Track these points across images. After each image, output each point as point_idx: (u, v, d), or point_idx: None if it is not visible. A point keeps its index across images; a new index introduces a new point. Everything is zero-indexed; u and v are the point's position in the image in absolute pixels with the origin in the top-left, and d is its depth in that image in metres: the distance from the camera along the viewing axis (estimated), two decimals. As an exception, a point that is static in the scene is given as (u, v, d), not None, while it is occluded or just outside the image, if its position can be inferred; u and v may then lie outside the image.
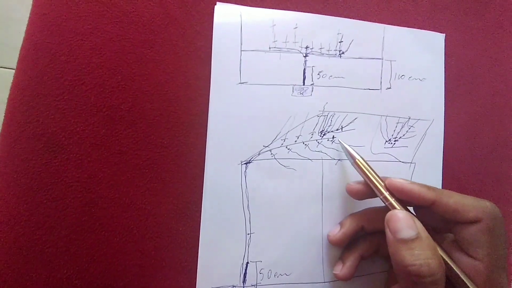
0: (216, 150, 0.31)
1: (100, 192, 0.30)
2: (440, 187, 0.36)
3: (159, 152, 0.31)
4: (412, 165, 0.35)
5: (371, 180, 0.29)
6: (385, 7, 0.36)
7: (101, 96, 0.31)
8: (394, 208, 0.28)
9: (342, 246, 0.32)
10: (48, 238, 0.29)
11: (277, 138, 0.32)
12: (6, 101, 0.31)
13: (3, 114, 0.31)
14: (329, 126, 0.33)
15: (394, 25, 0.36)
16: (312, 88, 0.33)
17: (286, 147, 0.32)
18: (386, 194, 0.28)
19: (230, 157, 0.32)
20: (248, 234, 0.32)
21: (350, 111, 0.34)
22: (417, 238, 0.25)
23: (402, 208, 0.28)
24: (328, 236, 0.32)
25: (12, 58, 0.32)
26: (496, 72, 0.38)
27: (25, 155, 0.30)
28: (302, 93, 0.33)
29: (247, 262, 0.31)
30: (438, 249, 0.26)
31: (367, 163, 0.30)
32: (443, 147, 0.36)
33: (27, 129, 0.30)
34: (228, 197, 0.31)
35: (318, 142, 0.33)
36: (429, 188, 0.28)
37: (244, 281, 0.31)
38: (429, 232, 0.26)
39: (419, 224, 0.26)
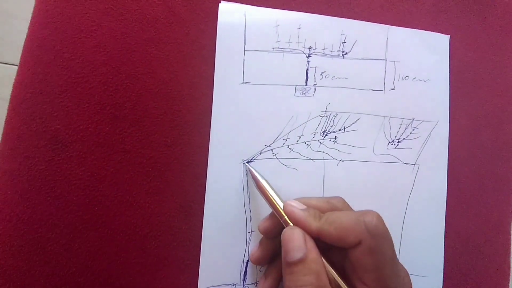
0: (219, 149, 0.32)
1: (103, 190, 0.31)
2: (445, 190, 0.36)
3: (162, 150, 0.31)
4: (416, 167, 0.36)
5: (272, 202, 0.29)
6: (389, 8, 0.36)
7: (105, 94, 0.31)
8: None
9: (264, 265, 0.32)
10: (51, 235, 0.30)
11: (279, 137, 0.33)
12: (8, 98, 0.31)
13: (5, 111, 0.31)
14: (332, 126, 0.34)
15: (397, 26, 0.36)
16: (315, 89, 0.33)
17: (288, 147, 0.33)
18: (285, 217, 0.28)
19: (232, 156, 0.32)
20: (249, 232, 0.32)
21: (353, 111, 0.34)
22: (301, 261, 0.25)
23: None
24: (249, 254, 0.32)
25: (15, 54, 0.32)
26: (500, 74, 0.39)
27: (28, 152, 0.30)
28: (304, 93, 0.33)
29: (248, 261, 0.32)
30: (330, 273, 0.26)
31: (271, 187, 0.29)
32: (448, 149, 0.36)
33: (30, 126, 0.30)
34: (230, 196, 0.32)
35: (320, 142, 0.33)
36: (317, 216, 0.27)
37: (244, 279, 0.32)
38: (331, 254, 0.26)
39: (310, 244, 0.25)
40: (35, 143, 0.30)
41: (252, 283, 0.32)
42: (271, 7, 0.34)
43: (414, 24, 0.37)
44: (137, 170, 0.31)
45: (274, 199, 0.29)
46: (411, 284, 0.27)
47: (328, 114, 0.34)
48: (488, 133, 0.38)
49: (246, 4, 0.33)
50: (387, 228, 0.26)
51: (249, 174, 0.30)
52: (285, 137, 0.33)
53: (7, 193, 0.30)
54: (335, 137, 0.34)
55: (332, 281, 0.26)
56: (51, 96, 0.31)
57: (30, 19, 0.32)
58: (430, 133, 0.36)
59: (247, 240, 0.32)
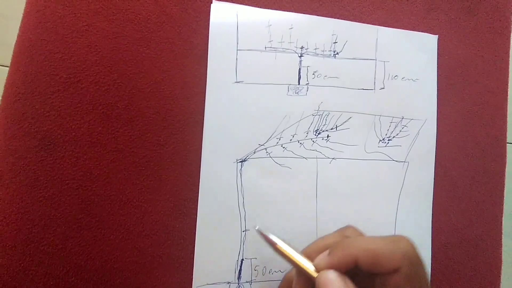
0: (212, 148, 0.32)
1: (96, 189, 0.31)
2: (432, 185, 0.37)
3: (155, 150, 0.32)
4: (406, 164, 0.36)
5: (297, 263, 0.26)
6: (379, 7, 0.37)
7: (97, 93, 0.31)
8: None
9: None
10: (44, 235, 0.30)
11: (273, 136, 0.33)
12: (0, 98, 0.31)
13: None
14: (324, 125, 0.34)
15: (388, 25, 0.37)
16: (307, 88, 0.34)
17: (282, 146, 0.34)
18: (301, 264, 0.26)
19: (226, 155, 0.32)
20: (243, 231, 0.33)
21: (345, 110, 0.35)
22: None
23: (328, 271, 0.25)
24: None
25: (6, 55, 0.32)
26: (488, 72, 0.40)
27: (20, 152, 0.30)
28: (297, 93, 0.33)
29: (242, 259, 0.32)
30: None
31: (289, 246, 0.27)
32: (436, 146, 0.38)
33: (22, 126, 0.30)
34: (224, 195, 0.32)
35: (313, 141, 0.34)
36: (348, 249, 0.26)
37: (239, 277, 0.32)
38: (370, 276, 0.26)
39: (350, 285, 0.25)
40: (27, 144, 0.30)
41: (246, 281, 0.32)
42: (263, 7, 0.34)
43: (405, 22, 0.38)
44: (130, 170, 0.31)
45: (298, 261, 0.26)
46: None
47: (320, 113, 0.34)
48: (479, 129, 0.39)
49: (238, 4, 0.34)
50: (421, 255, 0.26)
51: (263, 238, 0.27)
52: (278, 136, 0.33)
53: (0, 193, 0.30)
54: (328, 136, 0.34)
55: None
56: (43, 96, 0.31)
57: (21, 20, 0.32)
58: (418, 131, 0.37)
59: (242, 239, 0.32)
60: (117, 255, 0.31)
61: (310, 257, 0.26)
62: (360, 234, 0.29)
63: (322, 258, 0.26)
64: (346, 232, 0.28)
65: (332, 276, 0.25)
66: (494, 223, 0.39)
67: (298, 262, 0.26)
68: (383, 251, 0.25)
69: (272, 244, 0.27)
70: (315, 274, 0.25)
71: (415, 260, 0.25)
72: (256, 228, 0.27)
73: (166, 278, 0.31)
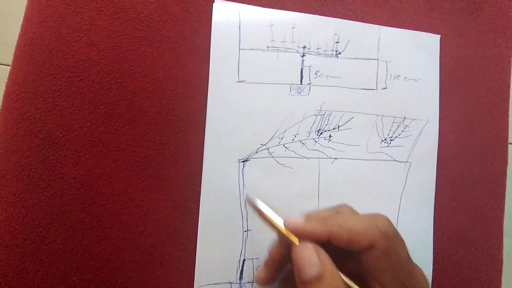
0: (214, 148, 0.32)
1: (98, 189, 0.31)
2: (434, 185, 0.37)
3: (157, 149, 0.32)
4: (408, 164, 0.36)
5: (270, 220, 0.27)
6: (382, 7, 0.37)
7: (99, 93, 0.31)
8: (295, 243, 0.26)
9: (273, 283, 0.30)
10: (46, 235, 0.30)
11: (275, 136, 0.33)
12: (1, 97, 0.31)
13: None
14: (326, 125, 0.34)
15: (390, 24, 0.37)
16: (310, 88, 0.34)
17: (284, 146, 0.34)
18: (291, 237, 0.26)
19: (228, 155, 0.32)
20: (245, 231, 0.33)
21: (347, 110, 0.35)
22: (318, 278, 0.23)
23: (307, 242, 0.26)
24: (255, 278, 0.30)
25: (8, 54, 0.31)
26: (490, 71, 0.40)
27: (22, 152, 0.30)
28: (299, 92, 0.33)
29: (244, 259, 0.32)
30: (350, 284, 0.25)
31: (276, 214, 0.27)
32: (438, 146, 0.38)
33: (24, 126, 0.30)
34: (226, 195, 0.32)
35: (315, 141, 0.34)
36: (323, 222, 0.26)
37: (241, 278, 0.32)
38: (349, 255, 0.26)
39: (324, 259, 0.24)
40: (29, 143, 0.30)
41: (248, 282, 0.32)
42: (265, 7, 0.34)
43: (407, 22, 0.37)
44: (132, 169, 0.31)
45: (275, 222, 0.27)
46: (428, 283, 0.27)
47: (322, 113, 0.34)
48: (481, 129, 0.39)
49: (240, 2, 0.34)
50: (397, 230, 0.26)
51: (245, 200, 0.29)
52: (280, 136, 0.33)
53: (1, 193, 0.30)
54: (330, 136, 0.34)
55: None
56: (45, 95, 0.31)
57: (23, 18, 0.31)
58: (421, 131, 0.37)
59: (244, 239, 0.32)
60: (119, 254, 0.31)
61: (289, 222, 0.26)
62: (356, 213, 0.29)
63: (296, 221, 0.26)
64: (340, 209, 0.28)
65: (308, 247, 0.25)
66: (495, 223, 0.39)
67: (280, 229, 0.26)
68: (357, 228, 0.25)
69: (258, 212, 0.27)
70: (296, 243, 0.26)
71: (391, 235, 0.25)
72: (245, 196, 0.29)
73: (167, 278, 0.31)
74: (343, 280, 0.25)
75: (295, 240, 0.26)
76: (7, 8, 0.73)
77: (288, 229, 0.26)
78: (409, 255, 0.26)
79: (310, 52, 0.34)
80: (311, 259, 0.24)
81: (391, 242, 0.25)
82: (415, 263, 0.27)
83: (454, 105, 0.38)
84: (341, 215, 0.27)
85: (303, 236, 0.26)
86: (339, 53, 0.35)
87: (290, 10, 0.34)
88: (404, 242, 0.26)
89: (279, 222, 0.27)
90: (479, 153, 0.39)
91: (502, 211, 0.39)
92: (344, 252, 0.26)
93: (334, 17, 0.35)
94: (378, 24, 0.36)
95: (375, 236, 0.25)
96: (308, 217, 0.26)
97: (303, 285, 0.24)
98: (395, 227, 0.26)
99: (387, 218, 0.26)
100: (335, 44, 0.35)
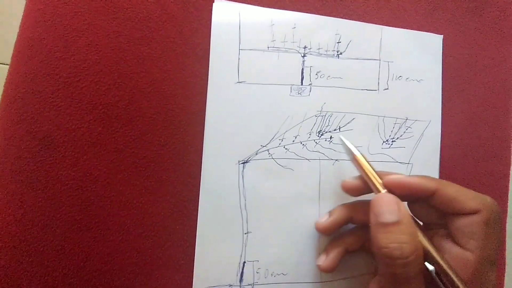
0: (214, 150, 0.32)
1: (96, 190, 0.31)
2: None
3: (156, 150, 0.32)
4: (409, 165, 0.36)
5: (369, 177, 0.29)
6: (383, 6, 0.37)
7: (97, 93, 0.31)
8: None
9: (330, 235, 0.33)
10: (44, 236, 0.30)
11: (275, 138, 0.33)
12: (0, 97, 0.31)
13: None
14: (327, 126, 0.34)
15: (392, 24, 0.37)
16: (310, 88, 0.33)
17: (284, 147, 0.33)
18: (383, 191, 0.29)
19: (228, 157, 0.32)
20: (245, 233, 0.32)
21: (348, 111, 0.35)
22: (396, 222, 0.26)
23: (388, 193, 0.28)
24: (316, 223, 0.33)
25: (6, 53, 0.31)
26: (493, 72, 0.40)
27: (20, 153, 0.30)
28: (300, 93, 0.33)
29: (244, 262, 0.32)
30: (421, 236, 0.27)
31: (366, 160, 0.30)
32: (440, 147, 0.37)
33: (22, 126, 0.30)
34: (225, 197, 0.32)
35: (316, 142, 0.34)
36: (428, 178, 0.28)
37: (241, 280, 0.32)
38: (421, 227, 0.28)
39: (403, 209, 0.27)
40: (26, 144, 0.30)
41: (249, 284, 0.32)
42: (266, 6, 0.34)
43: (409, 22, 0.37)
44: (131, 170, 0.31)
45: (373, 172, 0.29)
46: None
47: (323, 114, 0.34)
48: (483, 131, 0.39)
49: (240, 2, 0.33)
50: (501, 211, 0.28)
51: (343, 147, 0.31)
52: (281, 137, 0.33)
53: None
54: (331, 137, 0.34)
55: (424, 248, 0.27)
56: (43, 95, 0.31)
57: (21, 18, 0.31)
58: (423, 133, 0.37)
59: (244, 241, 0.32)
60: (117, 256, 0.30)
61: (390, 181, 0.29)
62: None
63: (399, 176, 0.29)
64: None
65: (391, 197, 0.27)
66: None
67: (370, 174, 0.29)
68: (466, 192, 0.27)
69: (352, 154, 0.30)
70: (380, 190, 0.29)
71: (496, 209, 0.27)
72: (340, 137, 0.32)
73: (166, 280, 0.31)
74: (418, 229, 0.27)
75: (380, 188, 0.28)
76: (6, 7, 0.73)
77: (389, 186, 0.28)
78: (503, 234, 0.28)
79: (311, 53, 0.34)
80: (392, 205, 0.27)
81: (494, 215, 0.27)
82: None
83: (456, 106, 0.38)
84: (448, 182, 0.29)
85: (407, 191, 0.28)
86: (341, 53, 0.35)
87: (291, 10, 0.34)
88: (502, 226, 0.28)
89: (376, 180, 0.29)
90: (481, 154, 0.39)
91: (504, 212, 0.39)
92: (439, 217, 0.29)
93: (335, 17, 0.35)
94: (379, 24, 0.36)
95: (483, 205, 0.27)
96: (410, 175, 0.29)
97: (382, 227, 0.26)
98: (497, 205, 0.28)
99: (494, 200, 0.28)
100: (337, 44, 0.35)
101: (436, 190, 0.27)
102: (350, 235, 0.32)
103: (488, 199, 0.27)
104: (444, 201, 0.27)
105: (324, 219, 0.32)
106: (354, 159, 0.30)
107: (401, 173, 0.30)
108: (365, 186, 0.30)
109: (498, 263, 0.28)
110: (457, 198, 0.27)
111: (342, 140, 0.32)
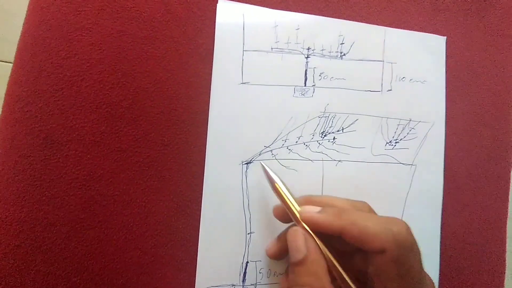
0: (217, 150, 0.32)
1: (99, 189, 0.31)
2: (441, 190, 0.37)
3: (159, 150, 0.32)
4: (413, 167, 0.36)
5: (286, 207, 0.29)
6: (387, 8, 0.37)
7: (101, 92, 0.31)
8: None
9: (280, 259, 0.32)
10: (47, 235, 0.30)
11: (278, 138, 0.33)
12: (3, 96, 0.31)
13: (1, 110, 0.31)
14: (330, 127, 0.34)
15: (395, 26, 0.37)
16: (314, 89, 0.34)
17: (287, 148, 0.34)
18: (302, 223, 0.28)
19: (231, 157, 0.32)
20: (248, 233, 0.33)
21: (351, 112, 0.35)
22: (301, 262, 0.26)
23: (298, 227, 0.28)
24: (265, 250, 0.32)
25: (10, 51, 0.31)
26: (497, 74, 0.40)
27: (23, 151, 0.30)
28: (303, 94, 0.33)
29: (247, 262, 0.32)
30: (337, 269, 0.26)
31: (286, 188, 0.29)
32: (444, 149, 0.37)
33: (25, 125, 0.30)
34: (229, 197, 0.32)
35: (319, 143, 0.34)
36: (338, 215, 0.26)
37: (243, 280, 0.32)
38: (359, 252, 0.26)
39: (310, 246, 0.26)
40: (30, 142, 0.30)
41: (251, 284, 0.32)
42: (269, 7, 0.34)
43: (412, 24, 0.37)
44: (134, 169, 0.31)
45: (291, 203, 0.28)
46: None
47: (326, 115, 0.34)
48: (486, 132, 0.39)
49: (244, 2, 0.34)
50: (415, 240, 0.26)
51: (265, 173, 0.30)
52: (284, 138, 0.33)
53: (3, 192, 0.30)
54: (334, 138, 0.35)
55: (342, 280, 0.26)
56: (46, 94, 0.31)
57: (24, 16, 0.31)
58: (426, 134, 0.37)
59: (247, 241, 0.32)
60: (120, 255, 0.31)
61: (307, 203, 0.28)
62: (372, 212, 0.29)
63: (310, 210, 0.27)
64: (358, 205, 0.29)
65: (298, 233, 0.27)
66: (498, 226, 0.39)
67: (289, 204, 0.28)
68: (371, 229, 0.25)
69: (271, 181, 0.29)
70: (298, 219, 0.28)
71: (405, 244, 0.25)
72: (261, 162, 0.31)
73: (169, 279, 0.31)
74: (327, 269, 0.26)
75: (298, 218, 0.28)
76: (10, 6, 0.73)
77: (302, 216, 0.27)
78: (421, 264, 0.26)
79: (314, 54, 0.34)
80: (298, 243, 0.26)
81: (404, 251, 0.25)
82: (425, 272, 0.27)
83: (458, 108, 0.38)
84: (357, 213, 0.27)
85: (315, 227, 0.27)
86: (344, 54, 0.35)
87: (295, 11, 0.34)
88: (419, 252, 0.26)
89: (295, 205, 0.28)
90: (483, 156, 0.39)
91: (505, 214, 0.39)
92: (356, 248, 0.26)
93: (338, 18, 0.36)
94: (383, 26, 0.36)
95: (388, 242, 0.24)
96: (324, 208, 0.28)
97: (290, 266, 0.26)
98: (409, 232, 0.25)
99: (405, 225, 0.26)
100: (340, 45, 0.35)
101: (341, 230, 0.26)
102: None
103: (395, 230, 0.25)
104: (352, 240, 0.25)
105: (272, 245, 0.31)
106: (274, 188, 0.29)
107: (332, 197, 0.29)
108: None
109: None
110: (361, 238, 0.25)
111: (263, 167, 0.30)
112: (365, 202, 0.29)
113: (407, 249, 0.25)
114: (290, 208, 0.28)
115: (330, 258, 0.26)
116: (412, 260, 0.25)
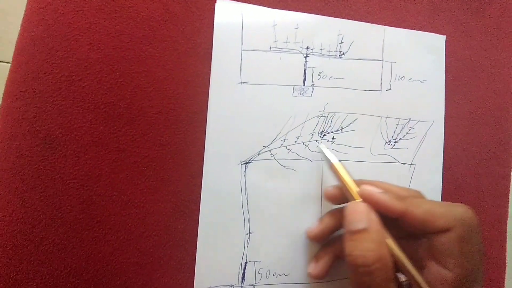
0: (216, 150, 0.32)
1: (98, 189, 0.31)
2: (440, 189, 0.37)
3: (157, 150, 0.32)
4: (412, 166, 0.37)
5: (345, 185, 0.30)
6: (386, 7, 0.38)
7: (99, 92, 0.32)
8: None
9: (320, 242, 0.33)
10: (45, 235, 0.30)
11: (277, 138, 0.33)
12: (1, 96, 0.31)
13: None
14: (329, 126, 0.35)
15: (394, 25, 0.37)
16: (313, 89, 0.34)
17: (286, 148, 0.34)
18: (358, 200, 0.29)
19: (230, 157, 0.33)
20: (247, 234, 0.33)
21: (350, 112, 0.35)
22: (364, 230, 0.26)
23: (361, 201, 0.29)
24: (306, 231, 0.33)
25: (8, 51, 0.31)
26: (496, 73, 0.40)
27: (22, 152, 0.30)
28: (302, 94, 0.33)
29: (246, 262, 0.33)
30: (393, 246, 0.27)
31: (344, 168, 0.30)
32: (443, 148, 0.37)
33: (23, 125, 0.30)
34: (227, 197, 0.32)
35: (318, 143, 0.34)
36: (399, 198, 0.28)
37: (242, 280, 0.32)
38: (407, 235, 0.28)
39: (373, 218, 0.27)
40: (28, 142, 0.30)
41: (250, 285, 0.33)
42: (268, 6, 0.34)
43: (411, 23, 0.37)
44: (132, 169, 0.32)
45: (349, 180, 0.30)
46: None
47: (325, 114, 0.35)
48: (486, 131, 0.39)
49: (242, 1, 0.34)
50: (479, 222, 0.27)
51: (322, 154, 0.32)
52: (283, 138, 0.33)
53: (1, 192, 0.30)
54: (333, 138, 0.35)
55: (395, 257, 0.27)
56: (44, 94, 0.31)
57: (22, 16, 0.31)
58: (426, 133, 0.37)
59: (245, 242, 0.33)
60: (118, 255, 0.31)
61: (363, 192, 0.29)
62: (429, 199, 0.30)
63: (372, 189, 0.28)
64: (412, 192, 0.30)
65: (361, 205, 0.28)
66: (498, 226, 0.39)
67: (348, 183, 0.29)
68: (435, 210, 0.26)
69: (329, 162, 0.31)
70: (356, 198, 0.29)
71: (470, 222, 0.26)
72: (319, 144, 0.33)
73: (167, 280, 0.31)
74: (386, 238, 0.27)
75: (356, 196, 0.29)
76: (8, 5, 0.73)
77: (364, 194, 0.28)
78: (483, 247, 0.27)
79: (313, 53, 0.34)
80: (361, 214, 0.27)
81: (468, 229, 0.26)
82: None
83: (458, 107, 0.38)
84: (418, 198, 0.29)
85: (376, 206, 0.28)
86: (343, 53, 0.35)
87: (293, 10, 0.35)
88: (481, 233, 0.27)
89: (353, 184, 0.29)
90: (483, 155, 0.39)
91: (505, 213, 0.40)
92: (406, 234, 0.28)
93: (337, 17, 0.36)
94: (382, 25, 0.36)
95: (454, 220, 0.26)
96: (385, 191, 0.28)
97: (350, 235, 0.27)
98: (473, 213, 0.27)
99: (469, 207, 0.27)
100: (339, 44, 0.35)
101: (403, 213, 0.27)
102: (339, 241, 0.31)
103: (459, 212, 0.26)
104: (413, 223, 0.27)
105: (314, 227, 0.32)
106: (331, 167, 0.31)
107: (386, 183, 0.30)
108: (344, 195, 0.30)
109: (482, 280, 0.27)
110: (426, 219, 0.26)
111: (320, 149, 0.32)
112: (419, 191, 0.30)
113: (471, 228, 0.26)
114: (350, 186, 0.29)
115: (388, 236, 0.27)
116: (475, 240, 0.26)
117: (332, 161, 0.30)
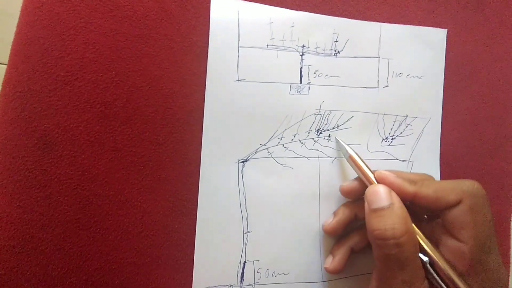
0: (212, 148, 0.33)
1: (94, 189, 0.31)
2: None
3: (154, 149, 0.32)
4: (410, 163, 0.37)
5: (363, 172, 0.31)
6: (384, 3, 0.38)
7: (95, 92, 0.32)
8: None
9: (336, 235, 0.34)
10: (42, 236, 0.30)
11: (274, 136, 0.34)
12: None
13: None
14: (326, 124, 0.35)
15: (393, 20, 0.38)
16: (309, 87, 0.34)
17: (283, 146, 0.34)
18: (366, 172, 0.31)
19: (227, 155, 0.33)
20: (246, 233, 0.33)
21: (347, 109, 0.35)
22: (388, 207, 0.27)
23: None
24: (323, 226, 0.33)
25: (4, 52, 0.31)
26: (496, 68, 0.40)
27: (17, 152, 0.31)
28: (299, 92, 0.34)
29: (245, 261, 0.33)
30: (413, 226, 0.28)
31: (360, 157, 0.32)
32: (441, 144, 0.38)
33: (19, 125, 0.31)
34: (225, 196, 0.33)
35: (315, 141, 0.35)
36: (411, 181, 0.29)
37: (241, 280, 0.33)
38: (419, 221, 0.29)
39: (395, 196, 0.28)
40: (24, 143, 0.31)
41: (249, 284, 0.33)
42: (263, 3, 0.34)
43: (410, 18, 0.38)
44: (129, 169, 0.32)
45: (367, 168, 0.31)
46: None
47: (322, 112, 0.35)
48: (486, 127, 0.40)
49: (238, -1, 0.34)
50: (485, 193, 0.28)
51: (338, 144, 0.34)
52: (280, 136, 0.33)
53: None
54: (329, 135, 0.35)
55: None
56: (40, 94, 0.31)
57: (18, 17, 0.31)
58: (423, 130, 0.37)
59: (244, 241, 0.33)
60: (115, 255, 0.31)
61: (378, 176, 0.30)
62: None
63: (389, 174, 0.30)
64: (423, 176, 0.31)
65: (382, 186, 0.29)
66: (501, 223, 0.40)
67: (365, 171, 0.31)
68: (444, 186, 0.28)
69: (347, 153, 0.32)
70: (374, 182, 0.30)
71: (478, 193, 0.28)
72: (336, 137, 0.34)
73: (165, 280, 0.32)
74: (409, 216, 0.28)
75: (374, 181, 0.30)
76: (4, 6, 0.73)
77: (379, 176, 0.30)
78: (493, 218, 0.28)
79: (309, 51, 0.35)
80: (384, 194, 0.28)
81: (479, 199, 0.28)
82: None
83: (458, 103, 0.39)
84: (429, 180, 0.30)
85: (389, 186, 0.29)
86: (338, 52, 0.35)
87: (290, 7, 0.35)
88: (489, 205, 0.28)
89: (368, 171, 0.31)
90: (484, 152, 0.39)
91: (508, 211, 0.40)
92: (416, 221, 0.29)
93: (335, 14, 0.36)
94: (380, 21, 0.37)
95: (464, 192, 0.28)
96: (400, 175, 0.30)
97: (373, 212, 0.28)
98: (480, 186, 0.28)
99: (475, 181, 0.29)
100: (334, 43, 0.35)
101: (414, 194, 0.29)
102: (355, 234, 0.33)
103: (467, 185, 0.28)
104: (424, 202, 0.29)
105: (330, 220, 0.33)
106: (349, 158, 0.32)
107: (399, 171, 0.31)
108: (362, 187, 0.31)
109: (497, 249, 0.28)
110: (438, 196, 0.28)
111: (337, 140, 0.34)
112: (430, 175, 0.32)
113: (480, 198, 0.28)
114: (367, 174, 0.31)
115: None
116: (485, 210, 0.28)
117: (349, 152, 0.32)
